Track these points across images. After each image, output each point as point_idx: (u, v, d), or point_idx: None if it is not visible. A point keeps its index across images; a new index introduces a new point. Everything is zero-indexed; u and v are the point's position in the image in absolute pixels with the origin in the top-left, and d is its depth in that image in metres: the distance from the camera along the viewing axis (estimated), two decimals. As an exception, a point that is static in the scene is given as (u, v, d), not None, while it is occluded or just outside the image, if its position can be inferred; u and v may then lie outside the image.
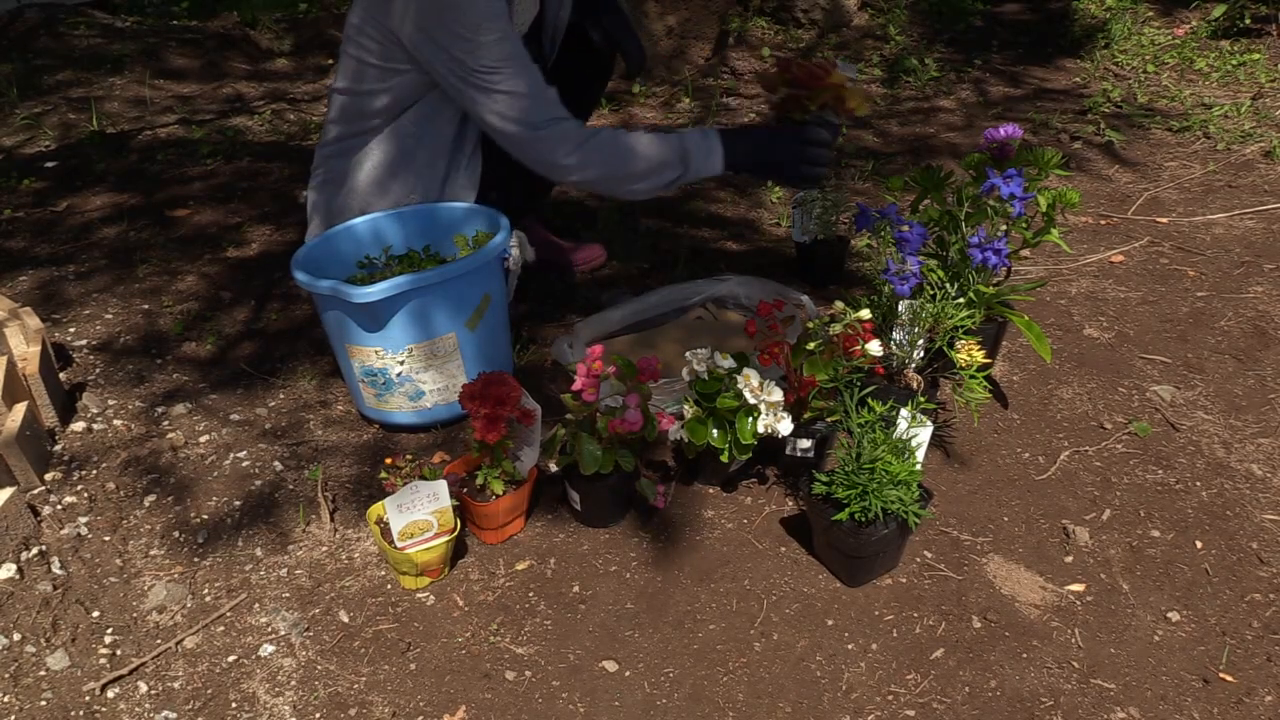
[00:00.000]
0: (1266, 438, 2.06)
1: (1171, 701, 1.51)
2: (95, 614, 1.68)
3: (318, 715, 1.52)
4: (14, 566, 1.71)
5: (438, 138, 2.12)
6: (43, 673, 1.57)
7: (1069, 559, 1.77)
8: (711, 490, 1.95)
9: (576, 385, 1.73)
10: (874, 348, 1.81)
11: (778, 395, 1.75)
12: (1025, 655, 1.59)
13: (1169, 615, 1.66)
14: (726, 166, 2.06)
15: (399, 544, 1.62)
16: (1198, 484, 1.94)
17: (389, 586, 1.73)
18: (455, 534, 1.67)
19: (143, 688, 1.56)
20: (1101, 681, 1.55)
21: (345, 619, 1.68)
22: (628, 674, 1.58)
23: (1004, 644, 1.61)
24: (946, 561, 1.77)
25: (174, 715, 1.52)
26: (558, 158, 1.95)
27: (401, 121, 2.10)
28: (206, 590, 1.74)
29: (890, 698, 1.53)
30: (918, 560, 1.77)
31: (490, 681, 1.57)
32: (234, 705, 1.53)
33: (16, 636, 1.62)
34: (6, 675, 1.56)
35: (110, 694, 1.55)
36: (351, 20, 2.03)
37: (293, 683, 1.57)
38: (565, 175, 1.99)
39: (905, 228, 1.85)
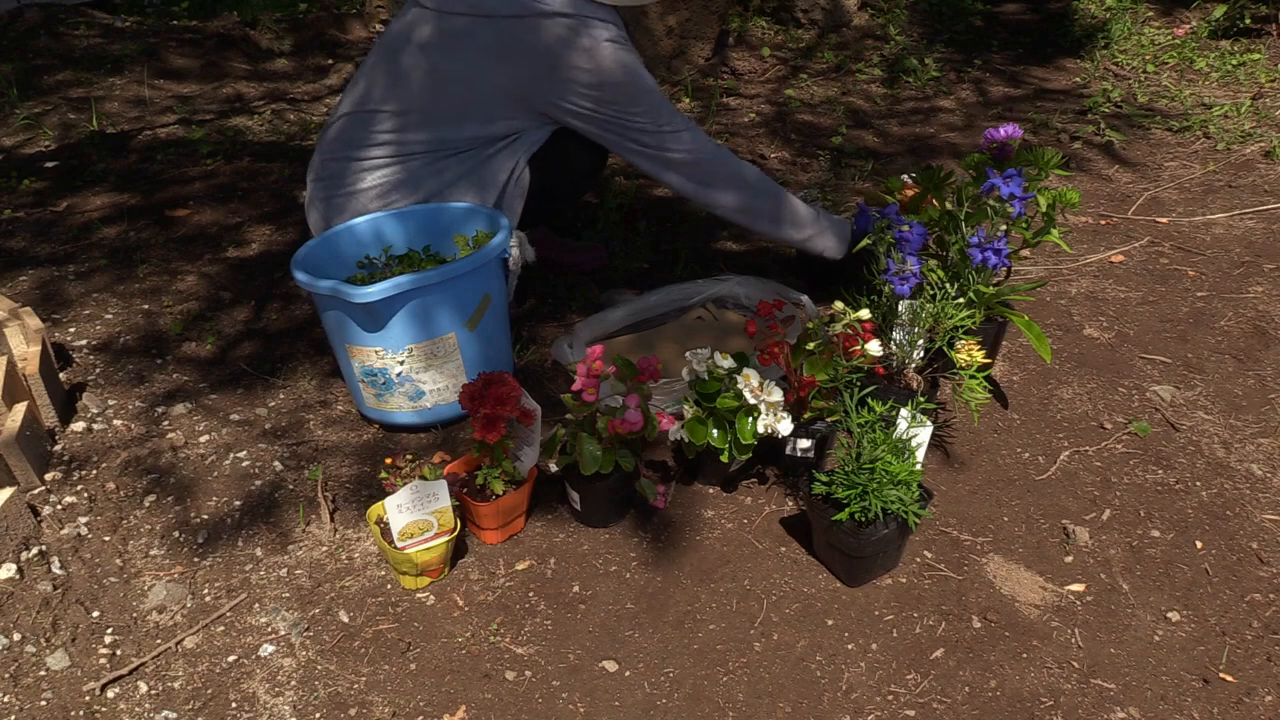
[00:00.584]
0: (1266, 438, 2.06)
1: (1171, 701, 1.51)
2: (95, 614, 1.68)
3: (318, 715, 1.52)
4: (14, 566, 1.71)
5: (514, 159, 2.17)
6: (43, 673, 1.57)
7: (1069, 559, 1.77)
8: (711, 490, 1.95)
9: (576, 385, 1.73)
10: (874, 348, 1.81)
11: (778, 395, 1.75)
12: (1025, 655, 1.59)
13: (1169, 615, 1.66)
14: (844, 255, 2.29)
15: (399, 544, 1.62)
16: (1198, 484, 1.94)
17: (389, 586, 1.73)
18: (455, 534, 1.67)
19: (143, 688, 1.56)
20: (1101, 681, 1.54)
21: (345, 619, 1.68)
22: (628, 674, 1.58)
23: (1004, 644, 1.61)
24: (946, 561, 1.77)
25: (174, 715, 1.52)
26: (720, 185, 2.18)
27: (488, 149, 2.15)
28: (206, 590, 1.74)
29: (890, 698, 1.53)
30: (918, 560, 1.77)
31: (490, 681, 1.57)
32: (234, 705, 1.53)
33: (16, 636, 1.62)
34: (6, 675, 1.56)
35: (110, 694, 1.55)
36: (445, 62, 2.07)
37: (293, 683, 1.57)
38: (716, 202, 2.20)
39: (905, 228, 1.85)
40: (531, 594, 1.72)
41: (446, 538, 1.65)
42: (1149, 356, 2.34)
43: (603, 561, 1.79)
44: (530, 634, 1.64)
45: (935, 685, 1.54)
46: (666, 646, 1.62)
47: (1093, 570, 1.75)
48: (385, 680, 1.57)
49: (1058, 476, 1.97)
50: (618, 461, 1.75)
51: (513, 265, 1.99)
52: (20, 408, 1.91)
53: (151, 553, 1.81)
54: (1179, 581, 1.73)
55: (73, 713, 1.52)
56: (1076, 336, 2.43)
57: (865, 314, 1.82)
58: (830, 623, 1.66)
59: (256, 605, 1.71)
